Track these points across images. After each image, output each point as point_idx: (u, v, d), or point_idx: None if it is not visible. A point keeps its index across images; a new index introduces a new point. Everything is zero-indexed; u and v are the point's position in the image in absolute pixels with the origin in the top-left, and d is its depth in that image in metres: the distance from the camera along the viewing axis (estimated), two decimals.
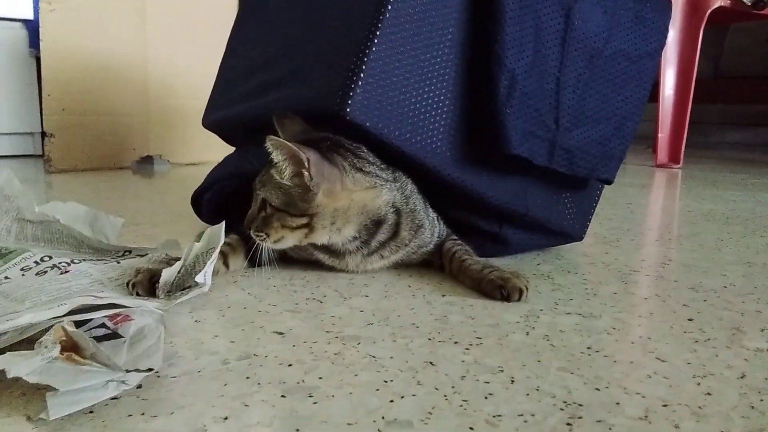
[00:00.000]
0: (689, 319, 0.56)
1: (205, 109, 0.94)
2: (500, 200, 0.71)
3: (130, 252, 0.68)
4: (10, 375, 0.37)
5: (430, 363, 0.45)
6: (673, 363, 0.46)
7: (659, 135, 1.97)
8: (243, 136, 0.87)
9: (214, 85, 0.95)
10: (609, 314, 0.57)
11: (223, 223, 0.58)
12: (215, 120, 0.90)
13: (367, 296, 0.61)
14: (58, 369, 0.38)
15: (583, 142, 0.73)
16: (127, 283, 0.56)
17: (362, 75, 0.61)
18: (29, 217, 0.69)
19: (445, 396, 0.40)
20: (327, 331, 0.51)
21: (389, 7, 0.62)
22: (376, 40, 0.62)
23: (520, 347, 0.49)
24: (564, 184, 0.76)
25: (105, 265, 0.62)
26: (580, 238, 0.82)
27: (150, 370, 0.40)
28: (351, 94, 0.61)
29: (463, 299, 0.60)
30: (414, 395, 0.40)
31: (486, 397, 0.40)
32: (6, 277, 0.57)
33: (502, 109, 0.66)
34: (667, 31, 0.80)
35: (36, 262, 0.59)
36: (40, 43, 1.47)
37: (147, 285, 0.55)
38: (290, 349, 0.47)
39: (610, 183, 0.77)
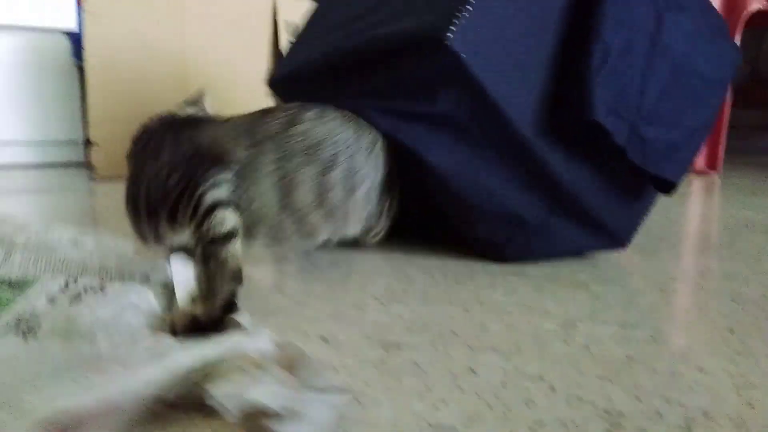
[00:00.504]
0: (729, 330, 0.56)
1: (274, 69, 0.97)
2: (561, 176, 0.72)
3: (148, 278, 0.61)
4: (253, 401, 0.36)
5: (471, 370, 0.47)
6: (714, 373, 0.47)
7: None
8: (317, 83, 0.88)
9: (289, 48, 0.98)
10: (648, 324, 0.57)
11: None
12: (289, 70, 0.92)
13: (406, 303, 0.62)
14: (286, 394, 0.37)
15: (657, 140, 0.74)
16: (172, 323, 0.51)
17: (468, 11, 0.65)
18: (19, 241, 0.61)
19: (487, 402, 0.41)
20: (369, 338, 0.53)
21: None
22: None
23: (560, 356, 0.49)
24: (621, 184, 0.77)
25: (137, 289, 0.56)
26: (623, 245, 0.82)
27: (343, 390, 0.40)
28: (454, 25, 0.64)
29: (501, 308, 0.61)
30: (457, 401, 0.42)
31: (527, 404, 0.41)
32: (33, 311, 0.50)
33: (593, 77, 0.68)
34: (736, 67, 0.83)
35: (60, 288, 0.53)
36: (84, 54, 1.52)
37: (190, 328, 0.51)
38: (335, 355, 0.49)
39: (670, 189, 0.77)
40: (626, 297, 0.66)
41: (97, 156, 1.56)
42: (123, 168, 1.66)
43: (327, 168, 0.69)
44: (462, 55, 0.65)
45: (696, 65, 0.77)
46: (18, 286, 0.54)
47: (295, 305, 0.61)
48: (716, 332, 0.55)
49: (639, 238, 0.93)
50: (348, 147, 0.71)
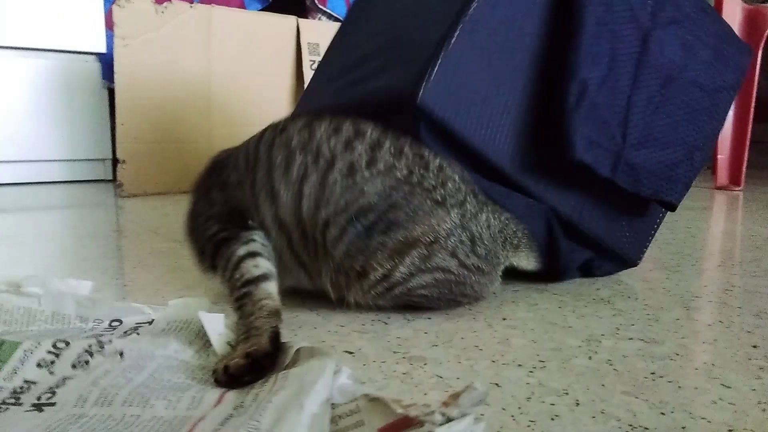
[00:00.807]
0: (753, 346, 0.56)
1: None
2: (556, 207, 0.73)
3: (120, 322, 0.56)
4: None
5: (496, 384, 0.47)
6: (738, 389, 0.47)
7: (719, 156, 1.93)
8: None
9: (302, 95, 1.01)
10: (672, 340, 0.58)
11: None
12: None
13: (429, 318, 0.63)
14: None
15: (650, 162, 0.74)
16: (225, 368, 0.45)
17: (436, 68, 0.67)
18: None
19: (512, 416, 0.42)
20: (394, 352, 0.54)
21: (470, 12, 0.68)
22: (453, 39, 0.67)
23: (584, 371, 0.50)
24: (623, 206, 0.78)
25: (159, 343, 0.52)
26: (635, 264, 0.82)
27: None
28: (424, 83, 0.66)
29: (524, 323, 0.62)
30: (482, 414, 0.42)
31: (552, 419, 0.42)
32: (27, 381, 0.45)
33: (569, 115, 0.69)
34: (746, 70, 0.82)
35: (50, 352, 0.48)
36: (115, 76, 1.57)
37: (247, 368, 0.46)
38: (361, 368, 0.50)
39: (673, 208, 0.78)
40: (649, 313, 0.66)
41: (124, 173, 1.60)
42: (148, 185, 1.70)
43: (300, 178, 0.63)
44: (434, 111, 0.67)
45: (695, 76, 0.77)
46: None
47: (321, 320, 0.62)
48: (740, 348, 0.56)
49: (661, 254, 0.93)
50: (321, 157, 0.63)
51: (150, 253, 0.94)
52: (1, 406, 0.41)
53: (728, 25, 0.84)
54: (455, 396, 0.36)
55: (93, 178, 1.99)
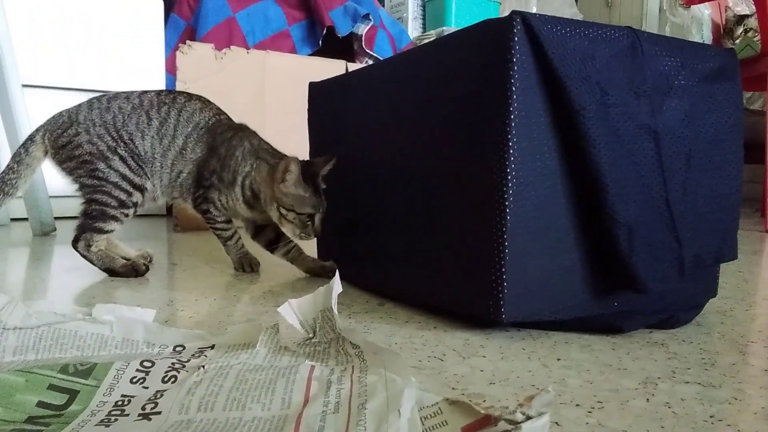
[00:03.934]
0: None
1: None
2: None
3: (183, 347, 0.60)
4: None
5: (556, 423, 0.49)
6: None
7: None
8: None
9: None
10: (729, 384, 0.58)
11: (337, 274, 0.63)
12: None
13: (484, 356, 0.65)
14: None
15: (705, 239, 0.76)
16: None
17: (505, 279, 0.69)
18: (13, 324, 0.59)
19: None
20: (453, 388, 0.56)
21: (508, 218, 0.68)
22: (507, 245, 0.69)
23: (642, 413, 0.51)
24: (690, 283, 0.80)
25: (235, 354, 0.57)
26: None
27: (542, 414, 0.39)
28: (502, 303, 0.70)
29: (579, 364, 0.63)
30: None
31: None
32: (125, 395, 0.49)
33: (628, 260, 0.71)
34: (740, 91, 0.80)
35: (139, 370, 0.53)
36: None
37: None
38: None
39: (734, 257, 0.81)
40: (705, 357, 0.66)
41: (180, 210, 1.67)
42: (202, 221, 1.75)
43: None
44: (517, 320, 0.71)
45: (705, 135, 0.76)
46: (87, 373, 0.52)
47: None
48: None
49: (714, 298, 0.92)
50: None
51: (209, 286, 0.99)
52: (111, 417, 0.46)
53: (707, 49, 0.78)
54: (529, 398, 0.39)
55: (149, 213, 2.07)
